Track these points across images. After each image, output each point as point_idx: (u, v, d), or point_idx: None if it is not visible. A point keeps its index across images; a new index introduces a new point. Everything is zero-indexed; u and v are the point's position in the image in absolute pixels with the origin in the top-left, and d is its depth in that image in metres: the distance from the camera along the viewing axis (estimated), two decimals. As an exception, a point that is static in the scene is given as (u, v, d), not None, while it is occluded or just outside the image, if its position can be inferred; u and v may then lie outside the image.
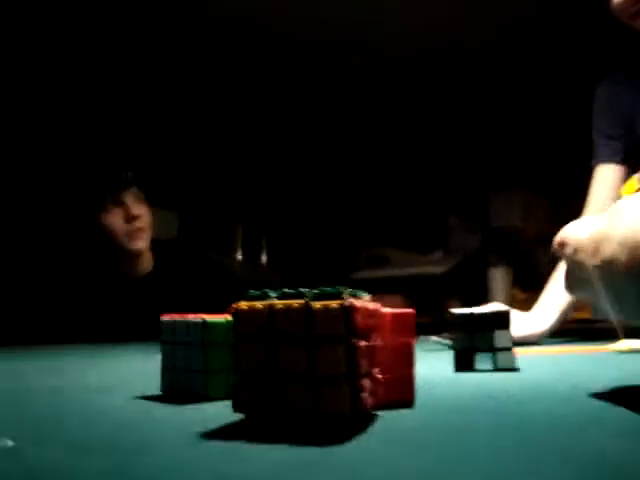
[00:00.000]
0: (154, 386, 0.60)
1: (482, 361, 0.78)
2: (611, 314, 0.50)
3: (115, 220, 1.74)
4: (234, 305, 0.43)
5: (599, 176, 1.39)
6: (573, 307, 1.42)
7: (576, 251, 0.50)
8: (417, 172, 3.79)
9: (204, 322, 0.55)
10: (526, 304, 1.49)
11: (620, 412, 0.46)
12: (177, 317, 0.58)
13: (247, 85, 3.25)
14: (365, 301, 0.45)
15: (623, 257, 0.43)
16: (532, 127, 3.41)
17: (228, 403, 0.43)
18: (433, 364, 0.90)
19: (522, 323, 1.31)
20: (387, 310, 0.52)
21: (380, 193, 3.85)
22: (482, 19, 2.72)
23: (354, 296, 0.43)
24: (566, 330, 1.50)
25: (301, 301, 0.42)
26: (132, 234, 1.76)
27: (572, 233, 0.51)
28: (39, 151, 2.77)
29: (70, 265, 1.86)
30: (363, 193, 3.84)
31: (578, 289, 0.54)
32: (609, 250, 0.44)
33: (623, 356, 0.97)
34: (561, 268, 1.28)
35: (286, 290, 0.43)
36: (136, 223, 1.76)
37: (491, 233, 3.65)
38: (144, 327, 1.17)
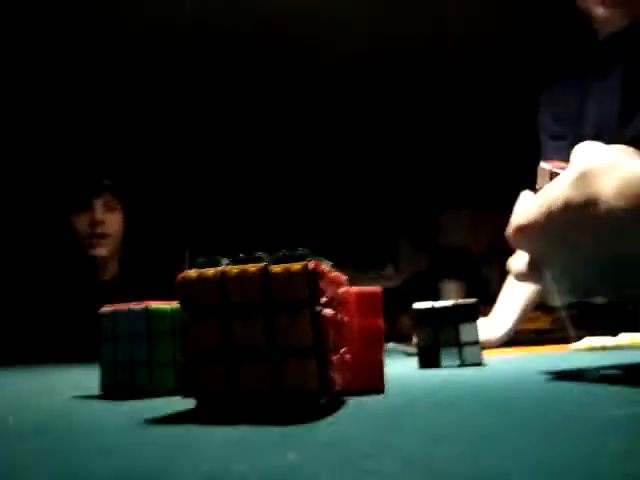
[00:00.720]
0: (95, 386, 0.54)
1: (448, 357, 0.74)
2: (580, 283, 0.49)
3: (80, 223, 1.77)
4: (180, 274, 0.38)
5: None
6: (528, 313, 1.40)
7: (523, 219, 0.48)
8: (366, 192, 3.77)
9: (147, 309, 0.50)
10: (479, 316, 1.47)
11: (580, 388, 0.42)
12: (117, 307, 0.52)
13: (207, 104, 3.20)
14: (328, 268, 0.40)
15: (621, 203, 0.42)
16: (478, 143, 3.43)
17: (176, 398, 0.38)
18: (396, 363, 0.85)
19: (480, 328, 1.28)
20: (352, 288, 0.48)
21: (331, 212, 3.82)
22: (423, 39, 2.73)
23: (318, 261, 0.38)
24: (524, 340, 1.49)
25: (258, 265, 0.36)
26: (94, 239, 1.78)
27: (523, 214, 0.49)
28: (18, 153, 2.72)
29: (37, 268, 1.87)
30: (314, 212, 3.80)
31: (548, 267, 0.51)
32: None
33: (583, 354, 0.94)
34: (511, 278, 1.27)
35: (241, 255, 0.38)
36: (99, 228, 1.77)
37: (440, 250, 3.65)
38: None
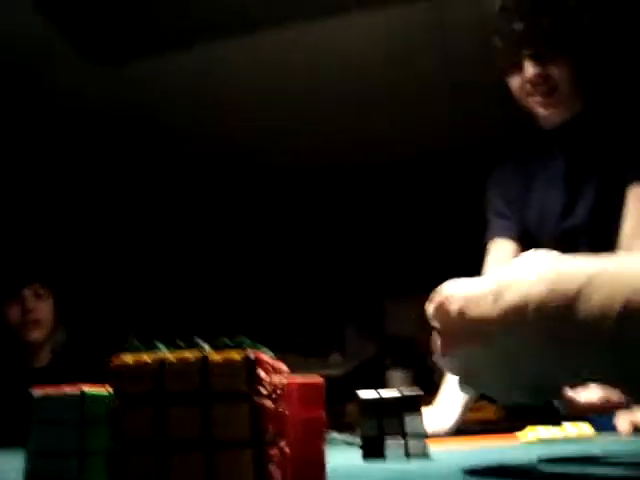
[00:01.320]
0: (16, 477, 0.50)
1: (393, 448, 0.72)
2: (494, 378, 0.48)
3: (13, 313, 1.92)
4: (115, 359, 0.36)
5: (493, 250, 1.42)
6: (472, 402, 1.39)
7: (469, 301, 0.46)
8: (312, 278, 3.77)
9: (82, 394, 0.47)
10: (425, 406, 1.46)
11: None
12: (51, 390, 0.50)
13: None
14: (269, 358, 0.39)
15: (534, 297, 0.42)
16: (424, 230, 3.48)
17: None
18: (338, 454, 0.83)
19: (426, 419, 1.26)
20: (292, 379, 0.46)
21: (278, 299, 3.80)
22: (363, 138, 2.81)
23: (259, 350, 0.37)
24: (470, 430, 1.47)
25: (197, 353, 0.35)
26: (27, 326, 1.92)
27: (457, 290, 0.48)
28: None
29: None
30: (261, 299, 3.78)
31: (459, 352, 0.50)
32: (518, 292, 0.44)
33: (533, 446, 0.93)
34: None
35: (178, 342, 0.37)
36: (30, 315, 1.91)
37: (387, 340, 3.64)
38: None
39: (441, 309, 0.49)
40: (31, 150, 2.84)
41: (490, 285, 0.46)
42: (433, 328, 0.52)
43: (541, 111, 1.33)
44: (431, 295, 0.51)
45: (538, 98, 1.30)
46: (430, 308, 0.50)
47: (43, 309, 1.95)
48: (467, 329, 0.47)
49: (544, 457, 0.67)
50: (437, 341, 0.51)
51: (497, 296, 0.45)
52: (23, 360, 1.94)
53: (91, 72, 2.34)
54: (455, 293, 0.48)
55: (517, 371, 0.47)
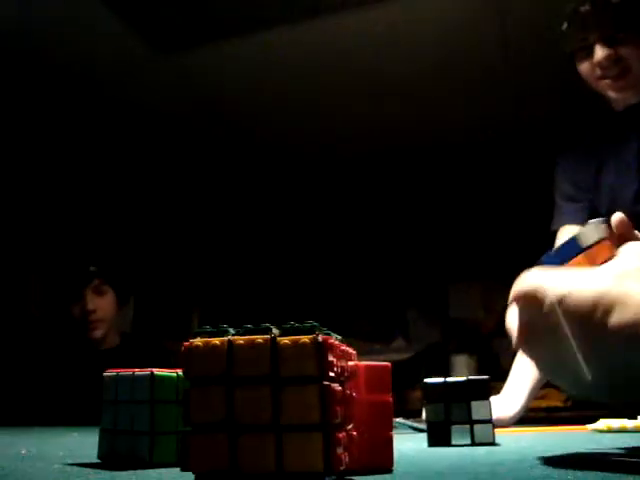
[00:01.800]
0: (92, 454, 0.52)
1: (458, 434, 0.72)
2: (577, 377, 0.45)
3: (75, 313, 1.96)
4: (186, 342, 0.37)
5: (563, 236, 1.38)
6: (538, 390, 1.37)
7: (576, 305, 0.43)
8: (377, 264, 3.77)
9: (152, 376, 0.48)
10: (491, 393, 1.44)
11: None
12: (121, 371, 0.51)
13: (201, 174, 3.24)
14: (338, 342, 0.39)
15: None
16: (491, 216, 3.43)
17: (176, 470, 0.36)
18: (405, 440, 0.82)
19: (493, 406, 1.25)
20: (360, 363, 0.46)
21: (341, 285, 3.80)
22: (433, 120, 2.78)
23: (327, 335, 0.37)
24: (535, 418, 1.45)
25: (266, 336, 0.35)
26: (89, 326, 1.96)
27: (557, 285, 0.45)
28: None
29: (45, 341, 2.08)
30: (325, 285, 3.79)
31: (543, 345, 0.48)
32: (626, 317, 0.41)
33: (602, 435, 0.91)
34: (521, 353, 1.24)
35: (248, 326, 0.37)
36: (92, 316, 1.95)
37: (451, 324, 3.61)
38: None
39: (531, 298, 0.46)
40: (87, 142, 2.90)
41: (602, 292, 0.43)
42: (510, 314, 0.51)
43: (613, 95, 1.29)
44: (519, 279, 0.49)
45: (609, 81, 1.26)
46: (518, 292, 0.48)
47: (104, 307, 1.99)
48: (557, 327, 0.45)
49: (615, 447, 0.65)
50: (514, 329, 0.50)
51: (608, 309, 0.42)
52: (91, 344, 1.99)
53: (155, 61, 2.37)
54: (554, 287, 0.45)
55: (603, 371, 0.45)
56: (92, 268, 1.99)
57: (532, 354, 0.50)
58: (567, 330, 0.44)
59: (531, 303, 0.46)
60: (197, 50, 2.35)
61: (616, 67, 1.23)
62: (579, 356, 0.44)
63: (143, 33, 2.22)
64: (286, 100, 2.66)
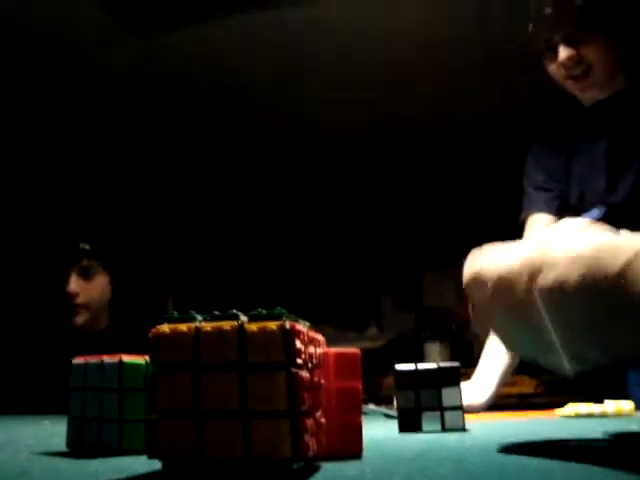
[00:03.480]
0: (62, 442, 0.52)
1: (429, 421, 0.72)
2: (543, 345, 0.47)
3: (60, 293, 1.80)
4: (153, 329, 0.36)
5: (534, 224, 1.39)
6: (509, 376, 1.38)
7: (504, 280, 0.46)
8: (350, 251, 3.77)
9: (120, 363, 0.48)
10: (463, 380, 1.45)
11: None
12: (90, 358, 0.51)
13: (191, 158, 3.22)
14: (305, 328, 0.39)
15: (573, 277, 0.42)
16: (465, 203, 3.45)
17: (144, 457, 0.36)
18: (375, 427, 0.83)
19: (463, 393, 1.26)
20: (329, 349, 0.46)
21: (316, 273, 3.80)
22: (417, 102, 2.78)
23: (295, 321, 0.37)
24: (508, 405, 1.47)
25: (233, 323, 0.35)
26: (72, 309, 1.79)
27: (491, 263, 0.48)
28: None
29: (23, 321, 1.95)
30: (300, 273, 3.79)
31: (498, 324, 0.50)
32: (555, 273, 0.43)
33: (571, 421, 0.93)
34: (492, 338, 1.26)
35: (215, 312, 0.37)
36: (74, 299, 1.78)
37: (424, 312, 3.63)
38: None
39: (474, 282, 0.48)
40: (71, 123, 2.87)
41: (524, 261, 0.45)
42: (467, 298, 0.52)
43: (578, 94, 1.31)
44: (465, 263, 0.51)
45: (573, 81, 1.28)
46: (464, 278, 0.50)
47: (90, 291, 1.81)
48: (501, 303, 0.47)
49: (581, 433, 0.66)
50: (471, 311, 0.51)
51: (532, 275, 0.44)
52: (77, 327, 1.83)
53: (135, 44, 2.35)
54: (489, 266, 0.47)
55: (550, 341, 0.46)
56: (83, 245, 1.82)
57: (492, 331, 0.52)
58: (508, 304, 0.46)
59: (475, 286, 0.49)
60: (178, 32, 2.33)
61: (579, 67, 1.25)
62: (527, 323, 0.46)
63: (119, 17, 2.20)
64: (268, 82, 2.63)
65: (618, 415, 1.00)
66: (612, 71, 1.28)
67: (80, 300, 1.79)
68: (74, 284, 1.79)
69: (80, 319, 1.80)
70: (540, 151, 1.44)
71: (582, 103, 1.37)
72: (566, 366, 0.48)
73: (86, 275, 1.80)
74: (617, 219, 1.28)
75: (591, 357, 0.47)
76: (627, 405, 1.02)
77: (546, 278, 0.43)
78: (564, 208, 1.38)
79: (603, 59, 1.25)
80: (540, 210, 1.40)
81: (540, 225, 1.38)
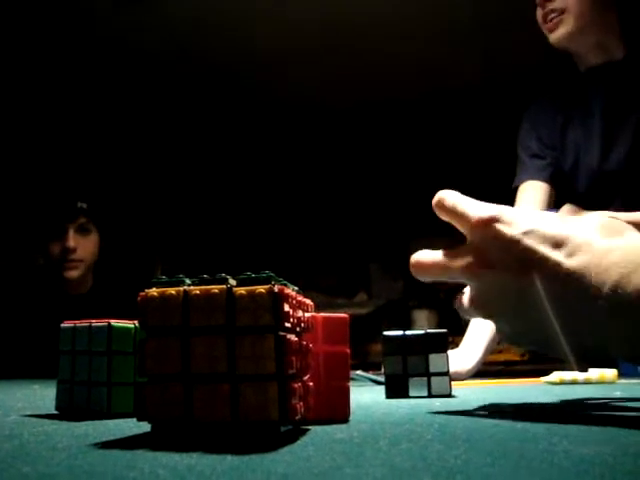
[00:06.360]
0: (51, 405, 0.52)
1: (416, 387, 0.73)
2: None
3: (53, 251, 1.85)
4: (141, 292, 0.36)
5: (525, 191, 1.40)
6: (496, 344, 1.40)
7: (537, 243, 0.43)
8: (339, 218, 3.78)
9: (109, 326, 0.48)
10: (451, 347, 1.46)
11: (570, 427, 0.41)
12: (78, 323, 0.51)
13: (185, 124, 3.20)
14: (294, 292, 0.39)
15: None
16: (453, 172, 3.45)
17: (133, 420, 0.36)
18: (363, 392, 0.84)
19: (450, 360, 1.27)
20: (318, 314, 0.46)
21: (306, 239, 3.81)
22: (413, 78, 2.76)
23: (284, 285, 0.37)
24: (495, 372, 1.48)
25: (222, 286, 0.35)
26: (66, 265, 1.85)
27: (514, 217, 0.45)
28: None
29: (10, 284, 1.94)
30: (290, 239, 3.79)
31: (484, 278, 0.47)
32: (585, 260, 0.42)
33: (554, 387, 0.94)
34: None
35: (204, 276, 0.37)
36: (71, 255, 1.84)
37: (413, 279, 3.66)
38: None
39: (492, 227, 0.45)
40: (61, 87, 2.84)
41: (564, 234, 0.43)
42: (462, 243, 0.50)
43: (549, 36, 1.31)
44: (468, 205, 0.49)
45: (546, 25, 1.29)
46: (473, 219, 0.47)
47: (87, 247, 1.87)
48: (514, 259, 0.44)
49: (565, 398, 0.67)
50: (465, 259, 0.49)
51: (570, 253, 0.42)
52: (62, 289, 1.89)
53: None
54: (518, 219, 0.45)
55: (532, 318, 0.45)
56: (80, 204, 1.86)
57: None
58: (526, 266, 0.44)
59: (490, 232, 0.45)
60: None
61: (552, 5, 1.27)
62: (539, 292, 0.44)
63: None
64: (267, 48, 2.62)
65: (602, 382, 1.02)
66: (589, 23, 1.28)
67: (77, 255, 1.85)
68: (72, 240, 1.84)
69: (75, 273, 1.86)
70: (535, 118, 1.44)
71: (578, 68, 1.37)
72: (570, 359, 0.47)
73: (83, 232, 1.87)
74: (609, 187, 1.30)
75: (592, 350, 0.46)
76: (610, 372, 1.04)
77: (582, 257, 0.42)
78: (558, 175, 1.38)
79: (579, 4, 1.26)
80: (532, 178, 1.41)
81: (532, 192, 1.39)
